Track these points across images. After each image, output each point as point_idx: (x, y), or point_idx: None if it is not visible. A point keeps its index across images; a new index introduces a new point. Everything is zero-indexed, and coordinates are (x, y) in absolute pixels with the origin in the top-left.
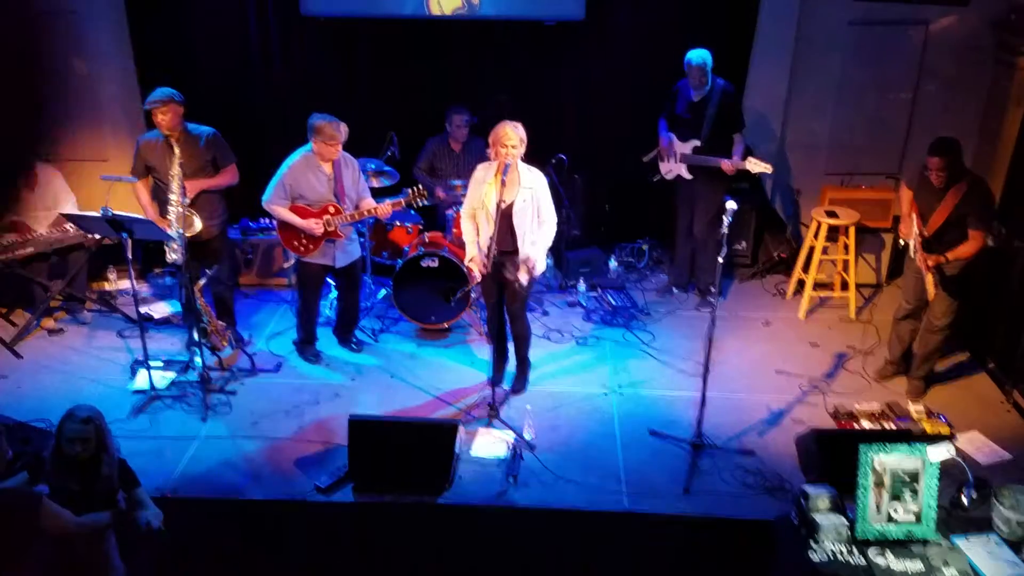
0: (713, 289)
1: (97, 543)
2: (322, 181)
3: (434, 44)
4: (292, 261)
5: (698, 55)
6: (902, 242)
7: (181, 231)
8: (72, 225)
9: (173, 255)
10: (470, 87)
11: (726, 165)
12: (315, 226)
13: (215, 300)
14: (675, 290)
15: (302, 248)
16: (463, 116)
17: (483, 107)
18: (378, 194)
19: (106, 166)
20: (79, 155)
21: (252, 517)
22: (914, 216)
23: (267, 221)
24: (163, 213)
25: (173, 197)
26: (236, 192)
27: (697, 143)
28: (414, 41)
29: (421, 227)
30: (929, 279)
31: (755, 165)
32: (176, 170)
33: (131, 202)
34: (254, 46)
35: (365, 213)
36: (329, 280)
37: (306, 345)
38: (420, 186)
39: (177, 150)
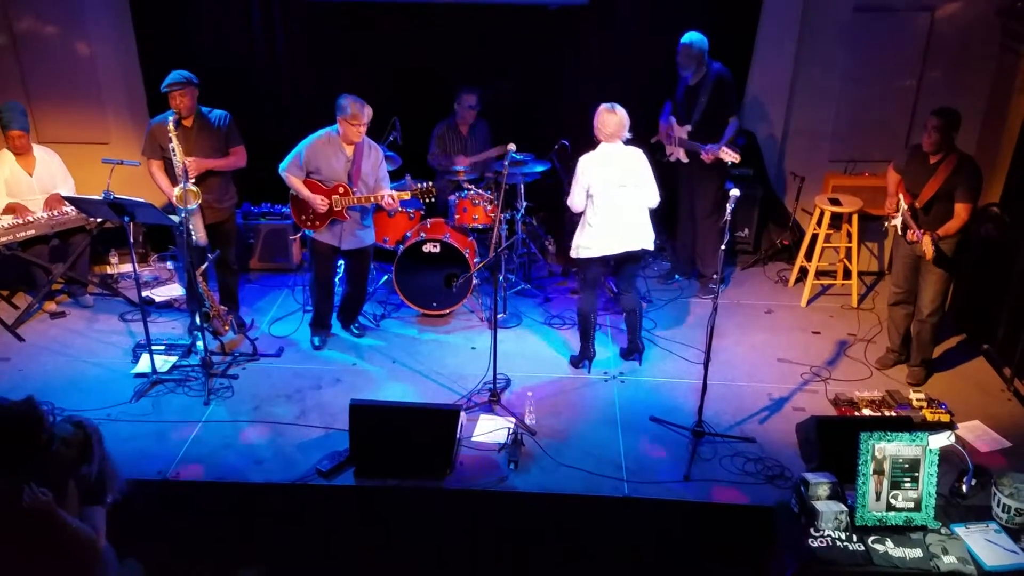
0: (716, 276)
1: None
2: (340, 160)
3: (437, 28)
4: (300, 233)
5: (686, 37)
6: (886, 223)
7: (184, 208)
8: (72, 207)
9: (197, 234)
10: (473, 72)
11: (704, 155)
12: (320, 203)
13: (219, 284)
14: (677, 277)
15: (308, 223)
16: (472, 97)
17: (485, 92)
18: None
19: (107, 149)
20: (79, 137)
21: (253, 501)
22: (901, 194)
23: (269, 205)
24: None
25: (191, 181)
26: (238, 176)
27: (689, 128)
28: (417, 25)
29: (423, 212)
30: (926, 240)
31: (726, 154)
32: (175, 144)
33: (132, 185)
34: (257, 29)
35: (372, 199)
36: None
37: (316, 328)
38: (430, 184)
39: (173, 133)
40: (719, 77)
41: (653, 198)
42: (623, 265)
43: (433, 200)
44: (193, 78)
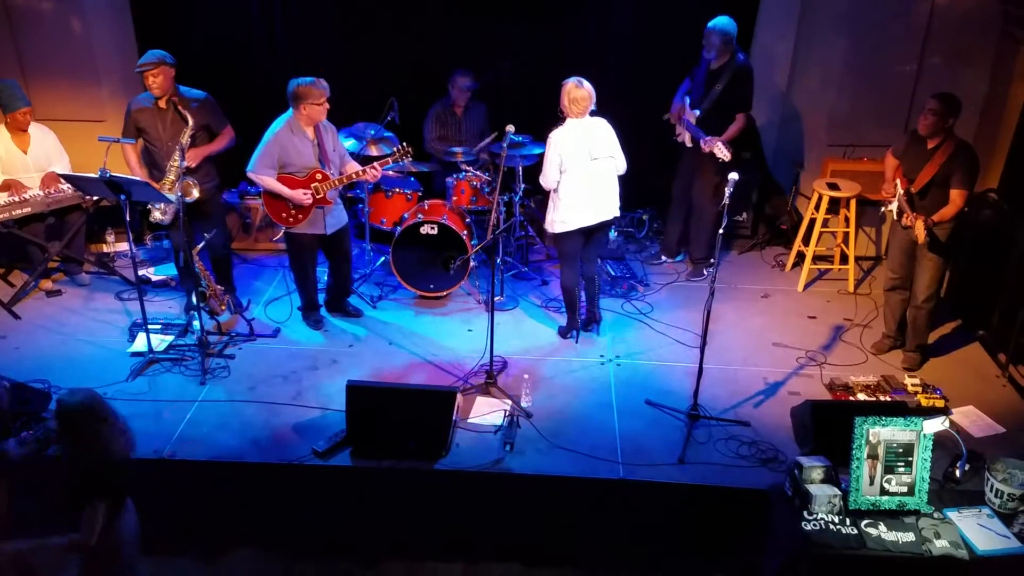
0: (713, 260)
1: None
2: (307, 146)
3: (435, 7)
4: (280, 233)
5: (715, 21)
6: (883, 208)
7: (180, 195)
8: (68, 185)
9: (159, 214)
10: (472, 52)
11: (703, 145)
12: (303, 196)
13: (213, 267)
14: (664, 258)
15: (291, 219)
16: (467, 78)
17: (484, 72)
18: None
19: (103, 127)
20: (75, 115)
21: (249, 480)
22: (898, 179)
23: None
24: (154, 178)
25: (174, 164)
26: (235, 156)
27: (698, 113)
28: (415, 4)
29: (420, 194)
30: (919, 225)
31: (719, 150)
32: (186, 139)
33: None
34: (254, 7)
35: (353, 177)
36: None
37: (309, 311)
38: (405, 144)
39: (191, 120)
40: (740, 69)
41: (622, 166)
42: (593, 235)
43: (411, 156)
44: (167, 57)
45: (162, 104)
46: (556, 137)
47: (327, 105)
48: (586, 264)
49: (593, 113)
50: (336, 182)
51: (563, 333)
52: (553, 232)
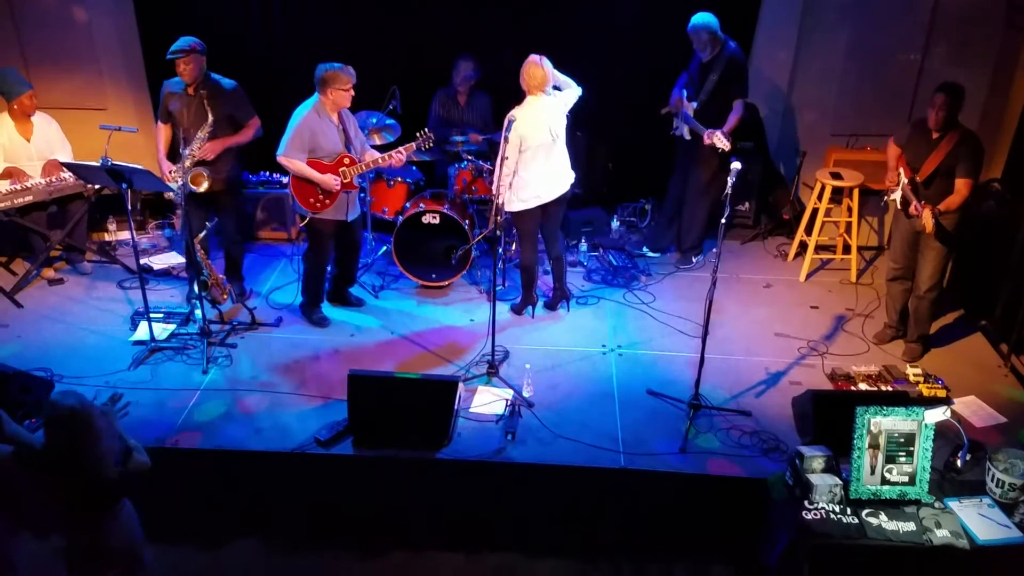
0: (715, 250)
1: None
2: (333, 131)
3: None
4: (307, 219)
5: (694, 19)
6: (886, 197)
7: (183, 184)
8: (70, 174)
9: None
10: (474, 41)
11: (704, 138)
12: (333, 180)
13: (225, 257)
14: (645, 249)
15: (318, 204)
16: (469, 65)
17: (487, 62)
18: (381, 151)
19: (105, 115)
20: (77, 103)
21: (251, 469)
22: (901, 169)
23: (267, 174)
24: (173, 160)
25: (188, 152)
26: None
27: (695, 105)
28: None
29: (422, 183)
30: (926, 213)
31: (718, 140)
32: (205, 133)
33: (129, 151)
34: None
35: (380, 162)
36: None
37: (313, 307)
38: (427, 129)
39: (211, 116)
40: (732, 58)
41: (576, 91)
42: (550, 210)
43: (432, 143)
44: (199, 45)
45: (191, 91)
46: (518, 116)
47: (352, 92)
48: (551, 244)
49: (553, 93)
50: (363, 166)
51: (518, 310)
52: (513, 211)
